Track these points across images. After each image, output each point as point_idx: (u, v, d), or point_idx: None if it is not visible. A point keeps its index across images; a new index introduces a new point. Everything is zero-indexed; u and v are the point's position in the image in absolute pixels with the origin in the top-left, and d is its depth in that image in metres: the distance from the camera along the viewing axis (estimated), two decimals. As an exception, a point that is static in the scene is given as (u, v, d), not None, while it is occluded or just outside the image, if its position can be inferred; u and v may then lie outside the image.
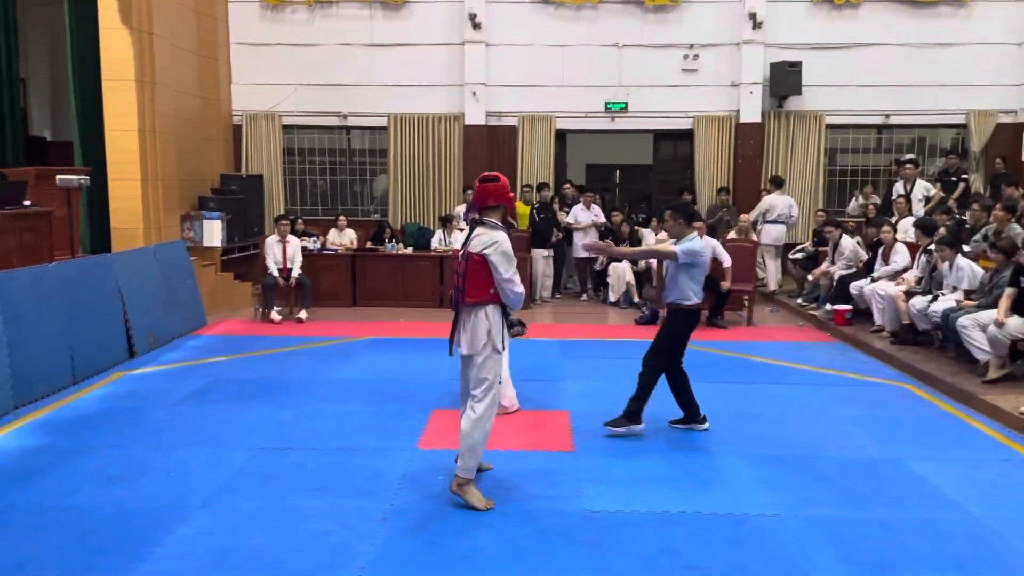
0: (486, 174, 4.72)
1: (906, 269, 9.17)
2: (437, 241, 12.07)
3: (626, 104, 13.26)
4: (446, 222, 12.14)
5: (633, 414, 5.87)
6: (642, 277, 12.01)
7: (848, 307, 9.71)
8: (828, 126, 13.32)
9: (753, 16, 12.78)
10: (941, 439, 5.94)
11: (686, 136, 13.58)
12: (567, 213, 12.45)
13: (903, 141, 13.70)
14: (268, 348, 8.85)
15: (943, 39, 13.03)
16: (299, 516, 4.50)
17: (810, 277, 11.15)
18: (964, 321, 7.19)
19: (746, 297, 10.57)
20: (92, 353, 7.61)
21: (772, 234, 12.35)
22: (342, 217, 12.45)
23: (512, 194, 4.75)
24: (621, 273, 11.68)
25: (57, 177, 8.71)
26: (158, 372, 7.84)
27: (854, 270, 10.23)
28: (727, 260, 10.09)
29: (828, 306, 10.13)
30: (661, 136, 13.98)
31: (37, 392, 6.73)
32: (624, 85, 13.24)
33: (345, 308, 11.52)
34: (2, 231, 7.91)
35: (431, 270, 11.68)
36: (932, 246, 8.50)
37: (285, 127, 13.49)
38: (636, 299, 11.58)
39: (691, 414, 6.05)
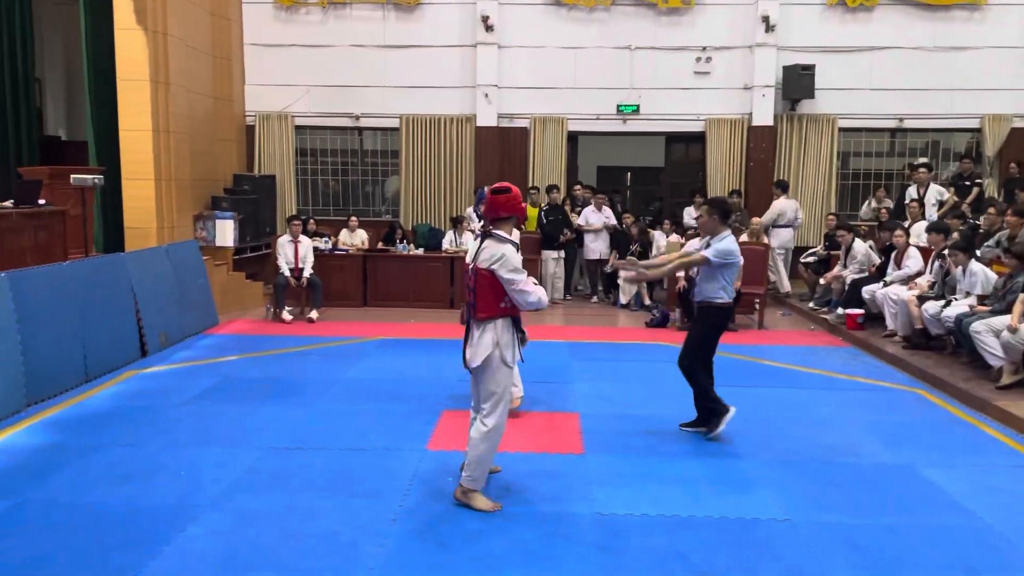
0: (497, 185, 4.67)
1: (919, 274, 9.12)
2: (448, 242, 12.09)
3: (638, 106, 13.25)
4: (457, 223, 12.16)
5: (715, 410, 5.86)
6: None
7: (860, 311, 9.67)
8: (841, 129, 13.27)
9: (766, 19, 12.75)
10: (953, 445, 5.90)
11: (698, 139, 13.55)
12: (578, 215, 12.44)
13: (916, 145, 13.63)
14: (279, 348, 8.88)
15: (958, 43, 12.96)
16: (308, 516, 4.51)
17: (822, 281, 11.11)
18: (977, 326, 7.15)
19: (757, 300, 10.54)
20: (104, 351, 7.65)
21: (783, 237, 12.33)
22: (353, 218, 12.49)
23: (524, 205, 4.71)
24: (632, 275, 11.64)
25: (72, 176, 8.79)
26: (170, 371, 7.88)
27: (866, 274, 10.19)
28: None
29: (840, 310, 10.08)
30: (673, 139, 13.96)
31: (50, 390, 6.77)
32: (636, 87, 13.23)
33: (356, 308, 11.55)
34: (17, 230, 7.98)
35: (442, 271, 11.70)
36: (946, 251, 8.45)
37: (298, 128, 13.54)
38: (647, 301, 11.57)
39: (705, 417, 6.03)
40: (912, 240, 9.88)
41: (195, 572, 3.89)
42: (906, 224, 10.38)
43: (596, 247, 12.28)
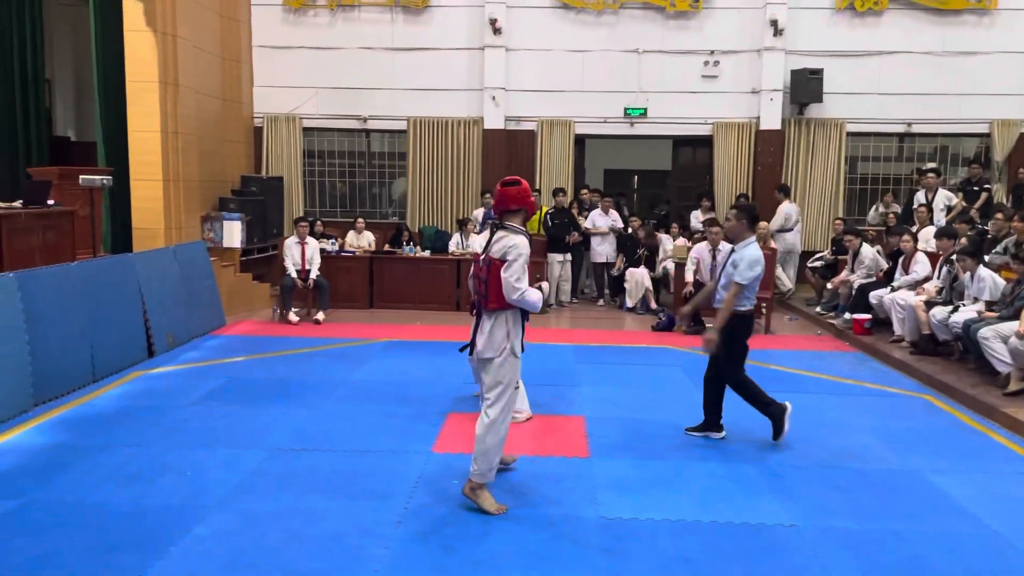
0: (507, 178, 4.72)
1: (927, 279, 9.10)
2: (454, 244, 12.10)
3: (645, 110, 13.25)
4: (463, 225, 12.17)
5: (774, 414, 5.85)
6: (659, 283, 11.98)
7: (867, 316, 9.64)
8: (849, 134, 13.24)
9: (774, 23, 12.73)
10: (960, 451, 5.87)
11: (705, 142, 13.54)
12: (585, 218, 12.44)
13: (925, 150, 13.60)
14: (285, 349, 8.90)
15: (967, 47, 12.93)
16: (314, 517, 4.51)
17: (829, 285, 11.09)
18: (985, 332, 7.12)
19: (764, 304, 10.50)
20: (112, 352, 7.67)
21: (788, 241, 12.33)
22: (360, 219, 12.52)
23: (533, 198, 4.75)
24: (639, 279, 11.65)
25: (80, 177, 8.83)
26: (176, 371, 7.90)
27: (874, 279, 10.16)
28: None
29: (847, 315, 10.06)
30: (680, 142, 13.95)
31: (57, 390, 6.80)
32: (644, 91, 13.23)
33: (362, 310, 11.57)
34: (26, 230, 8.02)
35: (448, 273, 11.71)
36: (954, 256, 8.43)
37: (306, 130, 13.58)
38: (653, 305, 11.55)
39: (711, 422, 6.02)
40: (920, 245, 9.85)
41: (201, 573, 3.89)
42: (914, 229, 10.34)
43: (603, 250, 12.27)
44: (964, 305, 7.98)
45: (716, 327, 5.76)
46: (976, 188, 11.88)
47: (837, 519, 4.63)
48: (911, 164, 13.50)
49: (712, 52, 13.09)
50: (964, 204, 11.55)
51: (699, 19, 13.10)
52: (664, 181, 15.48)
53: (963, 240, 8.94)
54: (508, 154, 13.33)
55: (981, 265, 8.04)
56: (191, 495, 4.81)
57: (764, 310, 10.53)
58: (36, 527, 4.35)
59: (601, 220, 12.29)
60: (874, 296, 9.71)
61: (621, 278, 12.05)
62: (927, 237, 10.27)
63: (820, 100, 12.82)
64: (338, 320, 10.68)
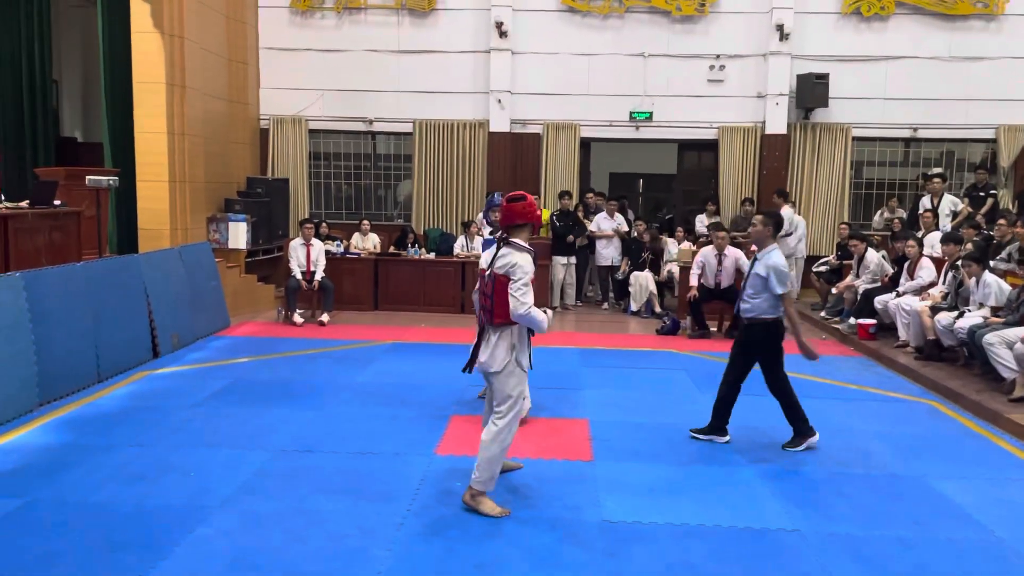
0: (512, 193, 4.73)
1: (932, 284, 9.07)
2: (459, 247, 12.11)
3: (651, 113, 13.25)
4: (468, 227, 12.17)
5: (801, 430, 5.88)
6: (663, 287, 11.98)
7: (872, 321, 9.62)
8: (855, 139, 13.22)
9: (780, 27, 12.72)
10: (965, 457, 5.86)
11: (711, 146, 13.53)
12: (591, 221, 12.44)
13: (931, 155, 13.56)
14: (290, 350, 8.91)
15: (973, 53, 12.90)
16: (317, 519, 4.52)
17: (834, 290, 11.07)
18: (990, 338, 7.10)
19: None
20: (117, 352, 7.69)
21: (789, 246, 12.30)
22: (366, 221, 12.54)
23: (539, 212, 4.75)
24: (644, 283, 11.65)
25: (87, 178, 8.85)
26: (181, 372, 7.92)
27: (879, 284, 10.14)
28: (750, 272, 10.02)
29: (852, 320, 10.04)
30: (685, 146, 13.94)
31: (62, 390, 6.81)
32: (649, 95, 13.23)
33: (367, 312, 11.59)
34: (32, 230, 8.04)
35: (453, 275, 11.72)
36: (959, 261, 8.41)
37: (311, 131, 13.61)
38: (657, 309, 11.54)
39: (717, 426, 6.01)
40: (926, 250, 9.83)
41: (204, 573, 3.90)
42: (920, 234, 10.32)
43: (608, 253, 12.28)
44: (969, 311, 7.96)
45: (797, 339, 5.84)
46: (982, 193, 11.86)
47: (841, 525, 4.61)
48: (917, 169, 13.46)
49: (718, 56, 13.09)
50: (970, 209, 11.53)
51: (705, 23, 13.10)
52: (669, 185, 15.47)
53: (969, 245, 8.92)
54: (513, 157, 13.34)
55: (987, 271, 8.02)
56: (194, 495, 4.81)
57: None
58: (40, 526, 4.37)
59: (607, 224, 12.29)
60: (879, 301, 9.69)
61: (626, 281, 12.04)
62: (933, 242, 10.26)
63: (826, 105, 12.80)
64: (342, 322, 10.70)
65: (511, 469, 5.19)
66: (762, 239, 5.83)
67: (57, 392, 6.73)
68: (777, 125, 13.07)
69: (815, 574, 4.03)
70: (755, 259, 5.86)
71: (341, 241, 12.15)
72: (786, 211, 12.29)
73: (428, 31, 13.30)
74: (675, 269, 11.63)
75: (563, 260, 12.07)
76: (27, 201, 8.44)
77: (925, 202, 11.65)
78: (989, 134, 13.11)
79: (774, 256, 5.72)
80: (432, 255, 12.14)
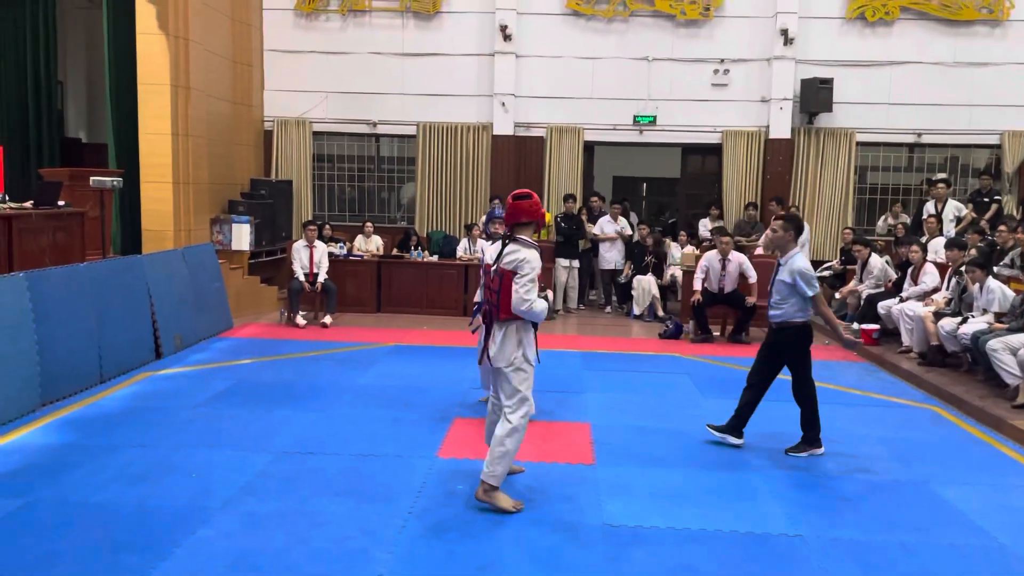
0: (518, 191, 4.77)
1: (935, 290, 9.06)
2: (462, 249, 12.11)
3: (655, 117, 13.25)
4: (471, 230, 12.18)
5: (809, 439, 5.87)
6: (667, 291, 11.97)
7: (876, 326, 9.61)
8: (859, 144, 13.20)
9: (785, 32, 12.72)
10: (968, 463, 5.84)
11: (714, 151, 13.53)
12: (595, 225, 12.44)
13: (935, 160, 13.55)
14: (292, 352, 8.92)
15: (978, 58, 12.89)
16: (318, 521, 4.52)
17: (837, 295, 11.05)
18: (994, 344, 7.09)
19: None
20: (119, 352, 7.70)
21: None
22: (369, 224, 12.55)
23: (544, 211, 4.78)
24: (646, 286, 11.65)
25: (91, 178, 8.88)
26: (183, 373, 7.92)
27: (882, 289, 10.13)
28: (753, 276, 10.04)
29: (855, 325, 10.02)
30: (689, 150, 13.94)
31: (64, 390, 6.82)
32: (653, 98, 13.23)
33: (369, 314, 11.59)
34: (36, 230, 8.06)
35: (456, 278, 11.72)
36: (963, 267, 8.40)
37: (315, 133, 13.62)
38: (660, 313, 11.54)
39: (734, 425, 5.99)
40: (930, 256, 9.81)
41: (205, 574, 3.90)
42: (923, 240, 10.31)
43: (611, 257, 12.27)
44: (973, 316, 7.95)
45: (836, 334, 5.92)
46: (986, 199, 11.84)
47: (844, 530, 4.60)
48: (921, 174, 13.44)
49: (722, 60, 13.09)
50: (974, 215, 11.51)
51: (709, 27, 13.11)
52: (673, 189, 15.47)
53: (972, 251, 8.91)
54: (517, 160, 13.35)
55: (990, 276, 8.00)
56: (196, 496, 4.81)
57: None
58: (42, 526, 4.37)
59: (610, 227, 12.29)
60: (883, 306, 9.68)
61: (628, 285, 12.04)
62: (936, 248, 10.24)
63: (830, 109, 12.79)
64: (345, 324, 10.70)
65: (513, 473, 5.19)
66: (784, 244, 5.82)
67: (59, 392, 6.74)
68: (781, 130, 13.06)
69: (817, 579, 4.02)
70: (778, 265, 5.84)
71: (344, 243, 12.16)
72: None
73: (432, 34, 13.32)
74: (678, 273, 11.63)
75: (566, 263, 12.07)
76: (31, 201, 8.47)
77: (929, 207, 11.63)
78: (994, 139, 13.10)
79: (798, 260, 5.71)
80: (435, 258, 12.14)
